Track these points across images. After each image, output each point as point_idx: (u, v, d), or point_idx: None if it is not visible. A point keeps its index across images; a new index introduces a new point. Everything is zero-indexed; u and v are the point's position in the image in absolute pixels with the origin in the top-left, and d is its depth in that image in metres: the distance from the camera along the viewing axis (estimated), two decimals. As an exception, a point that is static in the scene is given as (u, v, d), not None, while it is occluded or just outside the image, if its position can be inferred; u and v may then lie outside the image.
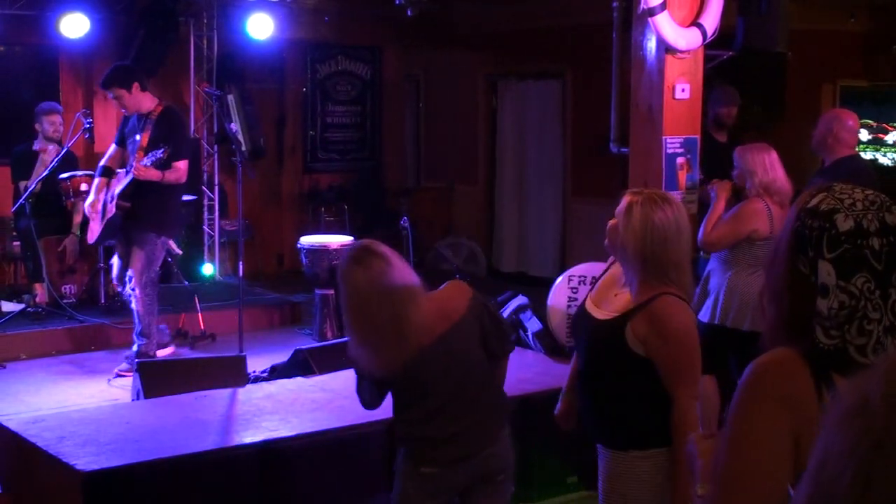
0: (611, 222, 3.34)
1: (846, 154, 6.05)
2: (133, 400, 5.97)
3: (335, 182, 11.31)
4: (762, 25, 6.68)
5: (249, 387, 5.92)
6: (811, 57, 8.24)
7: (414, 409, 3.42)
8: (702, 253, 5.79)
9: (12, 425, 5.03)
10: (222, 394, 5.63)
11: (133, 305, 7.01)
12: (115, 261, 7.26)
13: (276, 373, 6.47)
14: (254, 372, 6.55)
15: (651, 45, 6.15)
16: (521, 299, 7.03)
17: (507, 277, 10.49)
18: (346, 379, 3.57)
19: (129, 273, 6.97)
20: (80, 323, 7.95)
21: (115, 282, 7.33)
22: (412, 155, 12.16)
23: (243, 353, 6.62)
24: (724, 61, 6.97)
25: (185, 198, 8.68)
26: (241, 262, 7.33)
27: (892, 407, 1.04)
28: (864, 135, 8.67)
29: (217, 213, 10.02)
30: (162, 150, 6.70)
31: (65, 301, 8.17)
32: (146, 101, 7.07)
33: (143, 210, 6.94)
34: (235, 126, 7.87)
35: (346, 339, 3.72)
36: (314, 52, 11.19)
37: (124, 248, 7.12)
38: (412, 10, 8.91)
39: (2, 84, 9.35)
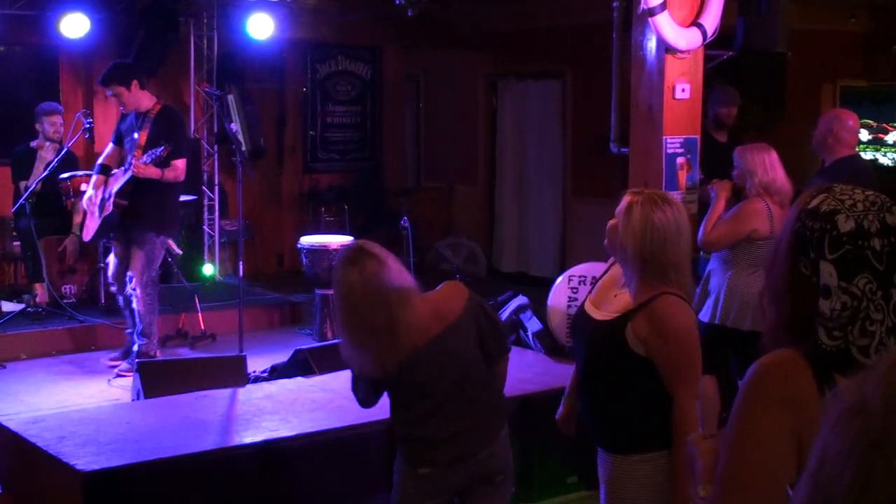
0: (611, 222, 3.34)
1: (846, 154, 6.05)
2: (133, 400, 5.97)
3: (335, 182, 11.31)
4: (762, 25, 6.68)
5: (249, 387, 5.92)
6: (811, 57, 8.24)
7: (411, 410, 3.42)
8: (702, 253, 5.79)
9: (12, 425, 5.03)
10: (222, 394, 5.62)
11: (134, 305, 7.02)
12: (112, 259, 7.26)
13: (276, 373, 6.47)
14: (254, 372, 6.55)
15: (651, 45, 6.15)
16: (521, 299, 7.03)
17: (507, 277, 10.49)
18: (346, 379, 3.57)
19: (130, 273, 6.98)
20: (80, 323, 7.95)
21: (110, 280, 7.33)
22: (412, 155, 12.16)
23: (243, 353, 6.62)
24: (724, 61, 6.97)
25: (185, 198, 8.70)
26: (241, 262, 7.33)
27: (890, 407, 1.04)
28: (864, 135, 8.67)
29: (217, 213, 10.02)
30: (162, 147, 6.70)
31: (65, 301, 8.17)
32: (145, 100, 7.07)
33: (142, 209, 6.94)
34: (235, 126, 7.87)
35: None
36: (314, 52, 11.19)
37: (123, 247, 7.12)
38: (412, 10, 8.91)
39: (2, 84, 9.35)
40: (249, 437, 4.90)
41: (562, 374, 5.69)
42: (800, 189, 5.30)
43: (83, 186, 7.72)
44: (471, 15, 10.86)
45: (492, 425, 3.45)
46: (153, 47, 8.99)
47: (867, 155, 8.64)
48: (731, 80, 7.48)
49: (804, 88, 8.74)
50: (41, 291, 8.22)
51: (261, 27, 9.43)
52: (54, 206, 8.11)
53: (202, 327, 8.04)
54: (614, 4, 7.04)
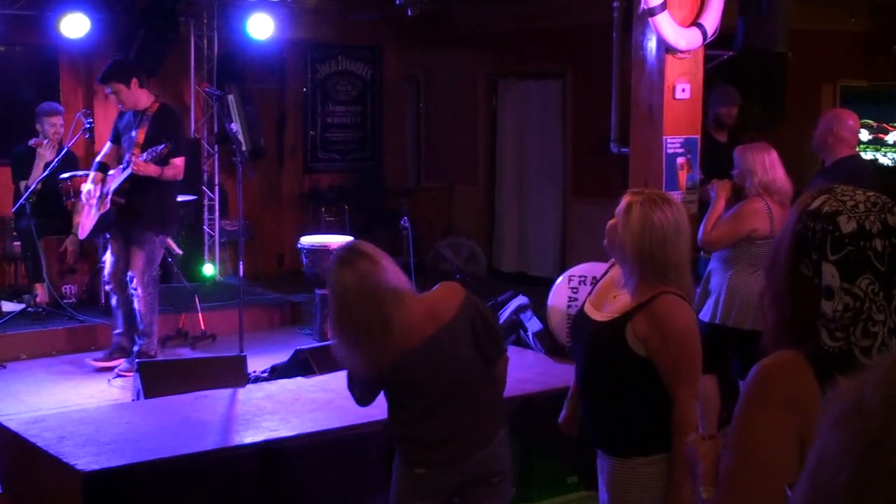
0: (610, 222, 3.34)
1: (847, 154, 6.04)
2: (133, 400, 5.97)
3: (335, 182, 11.31)
4: (762, 25, 6.68)
5: (250, 387, 5.92)
6: (811, 57, 8.24)
7: (406, 410, 3.41)
8: (702, 253, 5.80)
9: (12, 425, 5.03)
10: (222, 394, 5.62)
11: (135, 305, 7.02)
12: (108, 257, 7.25)
13: (276, 373, 6.47)
14: (254, 372, 6.55)
15: (651, 45, 6.15)
16: (521, 299, 7.03)
17: (508, 277, 10.49)
18: (345, 378, 3.59)
19: (131, 273, 6.98)
20: (80, 323, 7.96)
21: (105, 279, 7.31)
22: (412, 155, 12.16)
23: (243, 353, 6.62)
24: (724, 61, 6.97)
25: (185, 198, 8.70)
26: (241, 262, 7.33)
27: (888, 407, 1.04)
28: (865, 135, 8.67)
29: (217, 213, 10.02)
30: (163, 145, 6.70)
31: (65, 301, 8.18)
32: (143, 98, 7.07)
33: (141, 207, 6.94)
34: (236, 126, 7.87)
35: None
36: (314, 52, 11.19)
37: (121, 246, 7.12)
38: (412, 10, 8.91)
39: (2, 84, 9.35)
40: (249, 437, 4.90)
41: (562, 374, 5.69)
42: (800, 189, 5.30)
43: (83, 186, 7.73)
44: (471, 15, 10.86)
45: (489, 426, 3.43)
46: (153, 47, 8.99)
47: (867, 155, 8.64)
48: (732, 80, 7.48)
49: (804, 88, 8.74)
50: (41, 291, 8.22)
51: (261, 27, 9.43)
52: (54, 206, 8.11)
53: (202, 327, 8.05)
54: (614, 4, 7.05)
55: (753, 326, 5.25)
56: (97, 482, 4.33)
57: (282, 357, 6.66)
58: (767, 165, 5.46)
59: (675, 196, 5.69)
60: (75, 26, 8.72)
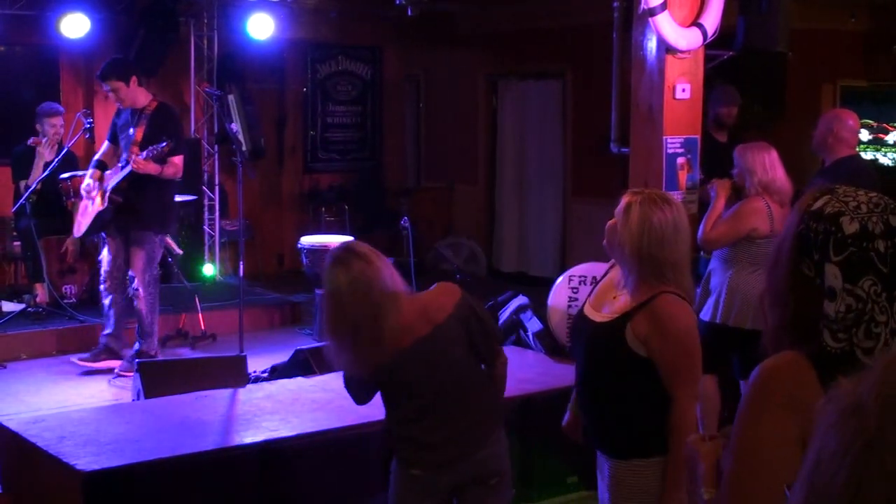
0: (610, 222, 3.34)
1: (847, 154, 6.04)
2: (133, 400, 5.97)
3: (335, 182, 11.31)
4: (762, 25, 6.68)
5: (250, 387, 5.92)
6: (811, 57, 8.23)
7: (401, 410, 3.41)
8: (702, 252, 5.80)
9: (12, 425, 5.03)
10: (222, 394, 5.62)
11: (137, 305, 7.02)
12: (105, 256, 7.24)
13: (276, 373, 6.47)
14: (254, 372, 6.55)
15: (651, 45, 6.15)
16: (521, 299, 7.03)
17: (508, 277, 10.49)
18: (345, 379, 3.62)
19: (132, 273, 6.98)
20: (80, 323, 7.96)
21: (102, 277, 7.29)
22: (412, 155, 12.16)
23: (243, 353, 6.62)
24: (724, 61, 6.97)
25: (185, 198, 8.70)
26: (241, 262, 7.33)
27: (885, 407, 1.04)
28: (865, 135, 8.66)
29: (217, 213, 10.02)
30: (164, 143, 6.70)
31: (65, 301, 8.18)
32: (141, 97, 7.07)
33: (140, 206, 6.94)
34: (236, 126, 7.87)
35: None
36: (314, 52, 11.20)
37: (118, 245, 7.11)
38: (412, 9, 8.92)
39: (2, 84, 9.35)
40: (249, 437, 4.90)
41: (562, 374, 5.69)
42: (800, 188, 5.31)
43: (82, 182, 7.74)
44: (471, 15, 10.87)
45: (487, 427, 3.41)
46: (153, 47, 9.00)
47: (867, 155, 8.63)
48: (732, 80, 7.48)
49: (804, 88, 8.74)
50: (41, 291, 8.22)
51: (261, 27, 9.44)
52: (54, 206, 8.10)
53: (202, 327, 8.05)
54: (614, 4, 7.05)
55: (754, 326, 5.25)
56: (97, 482, 4.33)
57: (282, 357, 6.67)
58: (767, 165, 5.46)
59: (675, 196, 5.69)
60: (75, 26, 8.72)
